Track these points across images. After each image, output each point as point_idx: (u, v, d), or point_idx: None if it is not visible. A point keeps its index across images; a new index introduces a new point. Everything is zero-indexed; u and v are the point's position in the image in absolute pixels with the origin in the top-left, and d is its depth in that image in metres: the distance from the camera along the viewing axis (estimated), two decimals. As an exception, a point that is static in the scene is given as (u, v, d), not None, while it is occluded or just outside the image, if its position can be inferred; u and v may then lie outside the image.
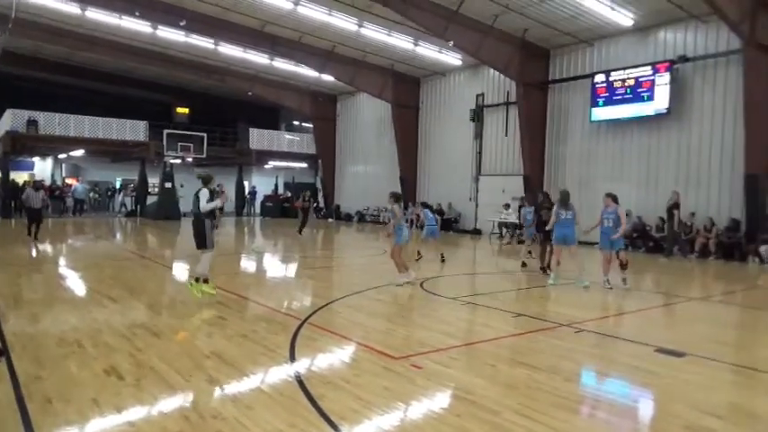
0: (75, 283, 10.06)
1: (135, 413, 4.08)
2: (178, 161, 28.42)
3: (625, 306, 8.88)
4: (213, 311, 7.57)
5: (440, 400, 4.55)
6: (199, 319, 7.19)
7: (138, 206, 29.70)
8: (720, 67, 16.51)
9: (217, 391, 4.56)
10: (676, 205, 15.60)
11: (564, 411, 4.34)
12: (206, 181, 8.27)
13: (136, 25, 21.25)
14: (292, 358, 5.46)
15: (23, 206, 17.34)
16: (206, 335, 6.32)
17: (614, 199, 10.30)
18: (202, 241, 8.16)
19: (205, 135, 28.12)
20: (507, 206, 21.95)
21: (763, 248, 14.68)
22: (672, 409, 4.66)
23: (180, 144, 27.00)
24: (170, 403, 4.29)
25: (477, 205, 24.40)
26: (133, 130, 28.29)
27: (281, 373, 5.13)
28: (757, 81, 14.79)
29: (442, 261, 13.39)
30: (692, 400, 4.67)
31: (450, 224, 24.99)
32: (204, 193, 8.08)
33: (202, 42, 23.40)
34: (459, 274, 12.21)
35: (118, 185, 33.51)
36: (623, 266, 10.10)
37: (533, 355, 5.90)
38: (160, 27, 21.59)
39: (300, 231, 20.11)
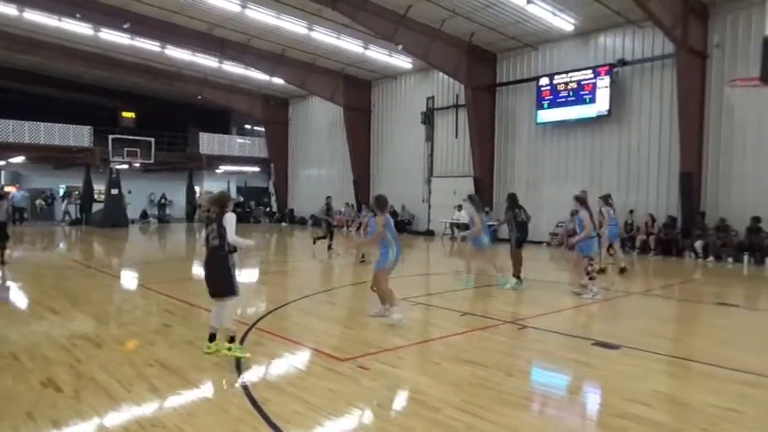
0: (14, 295, 9.68)
1: (72, 426, 4.00)
2: (125, 167, 27.68)
3: (567, 302, 9.18)
4: (158, 319, 7.46)
5: (384, 400, 4.63)
6: (143, 327, 7.05)
7: (84, 214, 28.72)
8: (656, 71, 17.28)
9: (158, 400, 4.50)
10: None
11: (505, 406, 4.48)
12: (222, 202, 5.84)
13: (77, 27, 20.59)
14: (238, 364, 5.43)
15: None
16: (150, 343, 6.21)
17: (581, 201, 9.78)
18: (226, 286, 5.75)
19: (153, 140, 27.47)
20: (459, 207, 22.32)
21: (697, 244, 15.42)
22: (605, 399, 4.90)
23: (126, 149, 26.30)
24: (109, 414, 4.21)
25: (429, 207, 24.69)
26: (77, 135, 27.44)
27: (225, 378, 5.09)
28: (689, 84, 15.58)
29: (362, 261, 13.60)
30: (624, 390, 4.90)
31: (403, 226, 25.19)
32: (231, 220, 5.74)
33: (148, 45, 22.86)
34: (411, 275, 12.34)
35: (61, 193, 32.29)
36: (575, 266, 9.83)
37: (478, 353, 6.06)
38: (103, 29, 20.99)
39: (329, 246, 16.40)
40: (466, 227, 22.02)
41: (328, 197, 17.84)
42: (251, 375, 5.13)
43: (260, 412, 4.24)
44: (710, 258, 15.20)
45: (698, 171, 16.15)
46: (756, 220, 14.82)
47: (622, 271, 12.39)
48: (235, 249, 5.82)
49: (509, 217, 10.89)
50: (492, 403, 4.52)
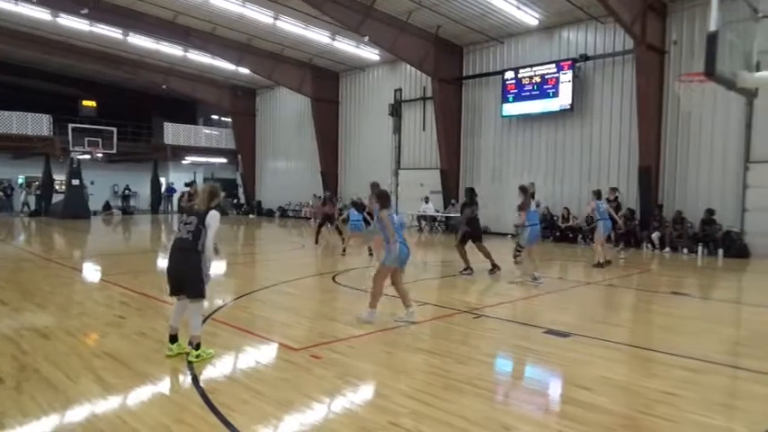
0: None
1: (11, 417, 3.92)
2: (87, 157, 27.03)
3: (524, 292, 9.35)
4: (113, 311, 7.34)
5: (333, 388, 4.64)
6: (96, 319, 6.93)
7: (43, 205, 27.98)
8: (617, 66, 17.62)
9: (104, 391, 4.44)
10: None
11: (453, 392, 4.55)
12: (212, 195, 5.37)
13: (34, 12, 19.96)
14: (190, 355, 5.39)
15: None
16: (101, 335, 6.12)
17: (524, 191, 10.18)
18: (193, 286, 5.20)
19: (115, 130, 26.88)
20: (426, 199, 22.48)
21: (654, 235, 15.84)
22: (550, 385, 5.04)
23: (87, 139, 25.71)
24: (51, 405, 4.14)
25: (397, 198, 24.72)
26: (35, 124, 26.67)
27: (175, 370, 5.05)
28: (647, 79, 15.92)
29: (370, 254, 13.65)
30: (569, 376, 5.05)
31: (371, 218, 25.22)
32: (215, 219, 5.23)
33: (109, 32, 22.30)
34: (373, 266, 12.38)
35: (20, 182, 31.36)
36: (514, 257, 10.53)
37: (431, 341, 6.14)
38: (62, 15, 20.40)
39: (317, 241, 15.71)
40: (433, 219, 22.54)
41: (326, 192, 17.30)
42: (201, 366, 5.09)
43: (206, 401, 4.23)
44: (667, 249, 15.64)
45: (656, 165, 16.56)
46: (710, 212, 15.30)
47: (604, 263, 12.35)
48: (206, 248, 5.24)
49: (469, 213, 11.08)
50: (439, 390, 4.59)
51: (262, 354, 5.63)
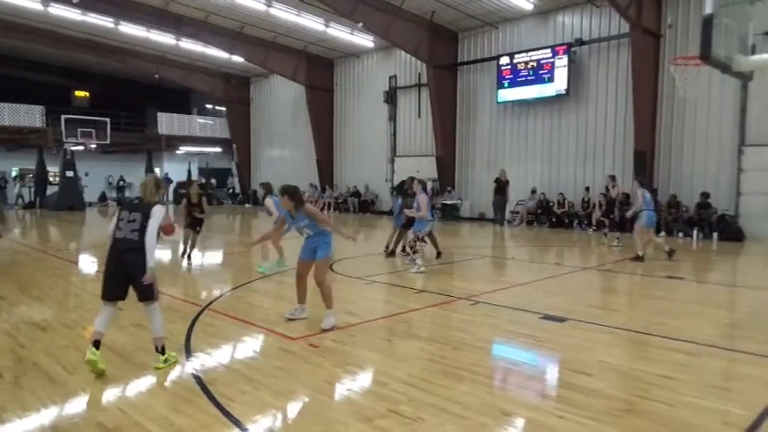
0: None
1: (11, 412, 3.92)
2: (80, 148, 26.87)
3: (521, 278, 9.39)
4: (110, 303, 7.32)
5: (331, 376, 4.66)
6: (93, 311, 6.89)
7: (38, 197, 27.86)
8: (612, 50, 17.57)
9: (102, 383, 4.44)
10: (503, 181, 18.96)
11: (451, 379, 4.57)
12: (158, 185, 5.02)
13: (24, 2, 19.73)
14: (187, 345, 5.40)
15: None
16: (98, 327, 6.11)
17: (423, 185, 10.41)
18: (148, 288, 4.73)
19: (108, 120, 26.70)
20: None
21: (649, 220, 15.86)
22: (549, 370, 5.05)
23: (80, 130, 25.53)
24: (51, 399, 4.14)
25: (392, 186, 24.69)
26: (28, 115, 26.44)
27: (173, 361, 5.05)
28: (643, 63, 15.90)
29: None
30: (566, 361, 5.07)
31: (367, 206, 25.23)
32: (159, 213, 4.81)
33: (100, 21, 22.05)
34: (369, 254, 12.39)
35: (13, 175, 31.16)
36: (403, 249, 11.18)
37: (428, 328, 6.16)
38: (52, 4, 20.16)
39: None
40: (432, 206, 22.46)
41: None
42: (200, 356, 5.11)
43: (205, 392, 4.24)
44: (662, 234, 15.67)
45: (651, 149, 16.59)
46: (705, 195, 15.35)
47: (671, 254, 11.62)
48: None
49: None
50: (435, 376, 4.61)
51: (260, 344, 5.64)
